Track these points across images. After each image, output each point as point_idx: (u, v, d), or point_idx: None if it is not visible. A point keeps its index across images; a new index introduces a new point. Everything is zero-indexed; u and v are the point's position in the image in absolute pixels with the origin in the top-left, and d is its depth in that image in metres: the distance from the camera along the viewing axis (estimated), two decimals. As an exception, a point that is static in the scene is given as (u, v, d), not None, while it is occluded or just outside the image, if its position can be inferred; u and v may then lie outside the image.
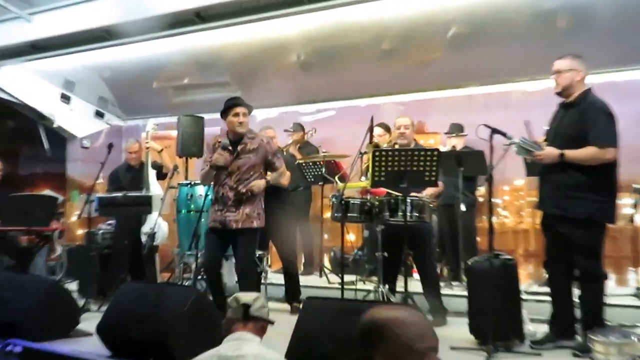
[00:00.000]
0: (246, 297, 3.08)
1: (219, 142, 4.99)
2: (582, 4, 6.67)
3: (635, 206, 5.76)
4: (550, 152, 4.17)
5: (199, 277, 5.69)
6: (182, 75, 9.22)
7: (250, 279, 4.93)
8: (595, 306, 4.12)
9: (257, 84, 8.68)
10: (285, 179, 5.69)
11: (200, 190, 6.21)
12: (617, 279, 6.73)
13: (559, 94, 4.35)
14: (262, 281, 6.01)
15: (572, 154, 4.11)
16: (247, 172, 4.90)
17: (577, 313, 4.26)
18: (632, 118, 6.06)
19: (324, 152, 7.12)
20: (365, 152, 5.62)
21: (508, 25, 6.91)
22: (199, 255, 5.50)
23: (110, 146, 6.47)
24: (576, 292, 4.26)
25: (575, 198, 4.10)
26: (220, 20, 7.10)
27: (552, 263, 4.33)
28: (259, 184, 4.90)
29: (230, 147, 4.92)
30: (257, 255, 5.57)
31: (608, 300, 4.85)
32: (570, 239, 4.11)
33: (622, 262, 6.91)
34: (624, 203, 5.82)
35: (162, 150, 6.77)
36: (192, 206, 6.27)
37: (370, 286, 5.63)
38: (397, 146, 5.48)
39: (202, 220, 5.41)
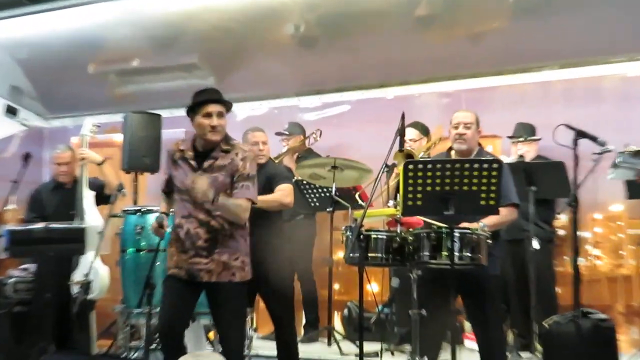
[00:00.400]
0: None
1: (180, 150, 5.01)
2: None
3: None
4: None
5: (153, 345, 5.65)
6: (131, 55, 9.26)
7: None
8: None
9: (238, 68, 8.71)
10: (289, 196, 5.76)
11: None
12: None
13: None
14: (246, 352, 5.96)
15: None
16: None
17: None
18: None
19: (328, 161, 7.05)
20: (394, 165, 5.60)
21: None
22: (152, 314, 5.47)
23: (27, 157, 6.48)
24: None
25: None
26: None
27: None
28: (202, 184, 4.84)
29: (193, 162, 4.93)
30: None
31: None
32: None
33: None
34: None
35: (103, 161, 6.78)
36: (144, 243, 6.26)
37: (402, 359, 5.59)
38: (453, 153, 5.49)
39: (158, 263, 5.38)
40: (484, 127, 7.62)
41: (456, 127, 5.44)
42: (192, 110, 4.95)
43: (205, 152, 4.95)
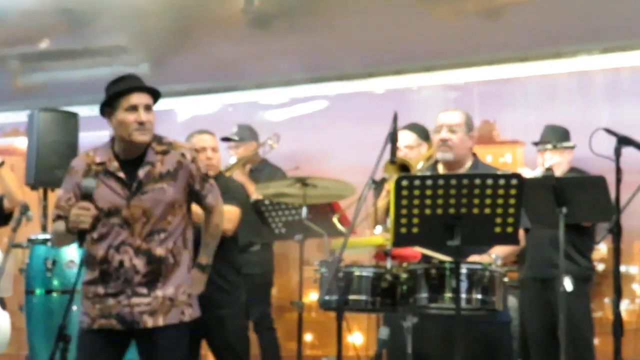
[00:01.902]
0: None
1: (97, 163, 4.93)
2: None
3: None
4: None
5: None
6: (38, 34, 9.27)
7: None
8: None
9: (179, 52, 8.75)
10: (230, 221, 5.75)
11: (72, 252, 6.23)
12: None
13: None
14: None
15: None
16: (163, 219, 4.88)
17: None
18: None
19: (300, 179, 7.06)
20: (384, 180, 5.67)
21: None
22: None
23: None
24: None
25: None
26: None
27: None
28: (198, 281, 5.02)
29: (122, 174, 4.94)
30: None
31: None
32: None
33: None
34: None
35: (1, 164, 6.61)
36: (56, 282, 6.27)
37: None
38: (440, 167, 5.59)
39: (76, 307, 5.42)
40: (502, 130, 7.77)
41: (438, 131, 5.54)
42: (108, 105, 4.86)
43: (133, 159, 4.89)
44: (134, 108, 4.78)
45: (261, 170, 7.76)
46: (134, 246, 4.83)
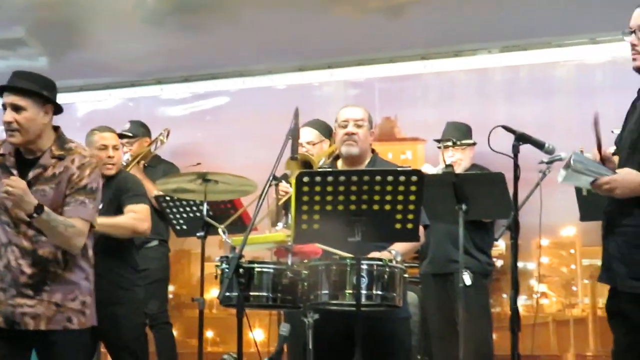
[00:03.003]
0: None
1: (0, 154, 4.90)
2: None
3: None
4: (628, 177, 4.32)
5: None
6: None
7: None
8: None
9: (78, 45, 8.65)
10: (144, 220, 5.67)
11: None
12: None
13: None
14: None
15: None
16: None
17: None
18: None
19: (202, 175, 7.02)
20: (286, 176, 5.67)
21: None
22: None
23: None
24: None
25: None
26: None
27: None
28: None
29: (15, 171, 4.82)
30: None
31: None
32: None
33: None
34: None
35: None
36: None
37: None
38: (340, 163, 5.62)
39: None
40: (403, 127, 7.79)
41: (344, 126, 5.53)
42: None
43: (31, 159, 4.86)
44: (4, 107, 4.75)
45: (155, 166, 7.71)
46: (20, 246, 4.78)
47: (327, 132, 6.81)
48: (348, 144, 5.46)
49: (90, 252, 5.00)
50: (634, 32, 4.45)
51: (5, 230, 4.80)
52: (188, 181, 6.50)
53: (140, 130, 7.80)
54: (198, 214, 6.77)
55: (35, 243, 4.77)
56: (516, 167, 4.51)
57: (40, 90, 4.80)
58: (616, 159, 4.51)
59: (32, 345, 4.89)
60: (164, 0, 8.16)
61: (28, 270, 4.75)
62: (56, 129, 4.98)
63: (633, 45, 4.43)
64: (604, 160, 4.43)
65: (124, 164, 7.30)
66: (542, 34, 7.94)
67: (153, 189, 7.13)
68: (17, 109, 4.72)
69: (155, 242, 7.32)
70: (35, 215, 4.57)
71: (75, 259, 4.88)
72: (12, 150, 4.87)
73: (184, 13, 8.19)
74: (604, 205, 4.54)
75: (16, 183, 4.57)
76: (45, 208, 4.62)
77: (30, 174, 4.78)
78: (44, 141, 4.87)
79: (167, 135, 7.88)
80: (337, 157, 5.71)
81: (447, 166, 6.95)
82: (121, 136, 7.65)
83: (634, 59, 4.43)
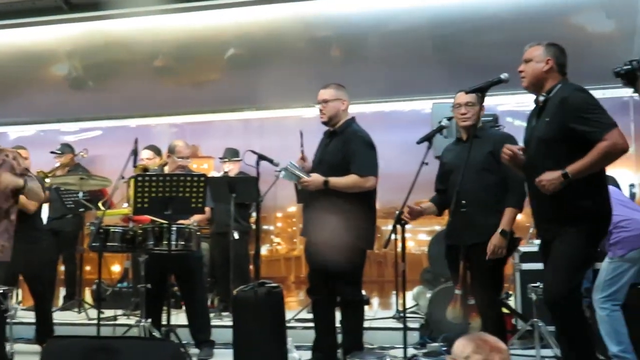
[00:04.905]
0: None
1: None
2: (353, 34, 7.28)
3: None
4: (316, 179, 4.45)
5: None
6: None
7: None
8: (355, 331, 4.47)
9: (12, 95, 8.15)
10: (31, 204, 5.32)
11: None
12: (382, 303, 7.34)
13: (326, 123, 4.66)
14: (8, 320, 5.60)
15: (335, 181, 4.42)
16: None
17: (340, 338, 4.57)
18: (398, 147, 6.69)
19: (80, 175, 6.67)
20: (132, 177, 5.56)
21: (285, 50, 7.31)
22: None
23: None
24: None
25: (336, 226, 4.39)
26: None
27: (315, 290, 4.60)
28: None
29: None
30: (1, 291, 5.17)
31: (372, 323, 5.30)
32: (332, 265, 4.39)
33: (387, 286, 7.54)
34: (388, 229, 6.38)
35: None
36: None
37: (132, 321, 5.53)
38: (166, 168, 5.56)
39: None
40: (203, 151, 7.72)
41: (178, 152, 5.56)
42: None
43: None
44: None
45: (75, 170, 7.34)
46: None
47: (158, 152, 6.69)
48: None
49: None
50: None
51: None
52: (74, 179, 6.28)
53: (66, 148, 7.38)
54: (77, 198, 6.48)
55: None
56: (258, 173, 4.59)
57: None
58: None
59: None
60: (80, 70, 7.84)
61: None
62: None
63: None
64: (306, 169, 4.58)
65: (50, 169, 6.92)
66: (274, 100, 8.00)
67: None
68: None
69: (70, 215, 6.93)
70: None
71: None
72: None
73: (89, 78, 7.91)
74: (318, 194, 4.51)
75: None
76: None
77: None
78: None
79: (87, 152, 7.51)
80: (164, 165, 5.61)
81: (225, 172, 6.98)
82: (54, 152, 7.31)
83: None
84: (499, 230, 3.96)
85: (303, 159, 4.65)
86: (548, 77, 3.60)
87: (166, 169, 5.69)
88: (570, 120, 3.40)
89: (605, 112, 3.43)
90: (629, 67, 3.53)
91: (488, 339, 2.38)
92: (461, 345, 2.35)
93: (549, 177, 3.36)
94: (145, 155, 6.42)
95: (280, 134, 7.96)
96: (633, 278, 4.62)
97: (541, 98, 3.60)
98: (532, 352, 4.94)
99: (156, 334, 4.92)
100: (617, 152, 3.34)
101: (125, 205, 5.48)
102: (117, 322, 5.94)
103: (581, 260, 3.47)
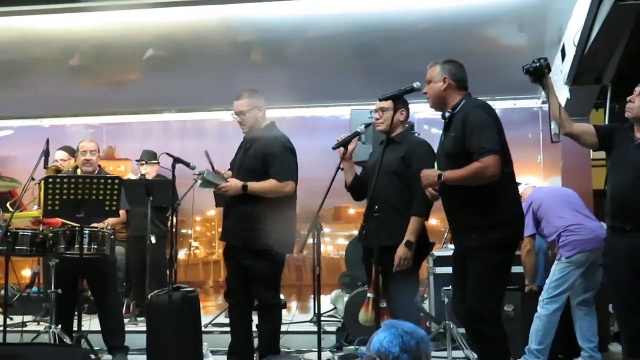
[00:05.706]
0: None
1: None
2: (275, 39, 7.26)
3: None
4: (234, 184, 4.41)
5: None
6: None
7: None
8: (272, 334, 4.45)
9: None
10: None
11: None
12: (300, 307, 7.35)
13: (247, 132, 4.62)
14: None
15: (253, 186, 4.39)
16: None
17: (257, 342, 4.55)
18: (318, 152, 6.72)
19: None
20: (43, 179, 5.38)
21: (205, 53, 7.21)
22: None
23: None
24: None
25: (255, 230, 4.37)
26: None
27: (232, 293, 4.57)
28: None
29: None
30: None
31: (290, 327, 5.31)
32: (251, 270, 4.38)
33: (305, 290, 7.57)
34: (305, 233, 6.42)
35: None
36: None
37: (42, 327, 5.34)
38: (79, 171, 5.36)
39: None
40: (119, 152, 7.56)
41: (84, 154, 5.31)
42: None
43: None
44: None
45: None
46: None
47: (72, 153, 6.46)
48: (86, 165, 5.18)
49: None
50: None
51: None
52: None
53: None
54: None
55: None
56: (174, 176, 4.54)
57: None
58: (229, 174, 4.62)
59: None
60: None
61: None
62: None
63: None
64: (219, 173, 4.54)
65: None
66: (196, 103, 7.96)
67: None
68: None
69: None
70: None
71: None
72: None
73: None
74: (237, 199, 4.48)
75: None
76: None
77: None
78: None
79: None
80: (76, 168, 5.45)
81: (142, 175, 6.85)
82: None
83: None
84: (404, 241, 4.01)
85: (217, 172, 4.59)
86: (448, 94, 3.71)
87: (79, 171, 5.52)
88: (466, 136, 3.54)
89: (496, 134, 3.54)
90: (537, 64, 3.71)
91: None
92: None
93: (428, 173, 3.60)
94: (59, 156, 6.17)
95: (200, 137, 7.91)
96: (580, 281, 4.84)
97: (447, 114, 3.72)
98: (444, 353, 5.06)
99: (67, 340, 4.77)
100: (486, 176, 3.46)
101: (36, 207, 5.28)
102: (26, 328, 5.71)
103: (496, 274, 3.58)
